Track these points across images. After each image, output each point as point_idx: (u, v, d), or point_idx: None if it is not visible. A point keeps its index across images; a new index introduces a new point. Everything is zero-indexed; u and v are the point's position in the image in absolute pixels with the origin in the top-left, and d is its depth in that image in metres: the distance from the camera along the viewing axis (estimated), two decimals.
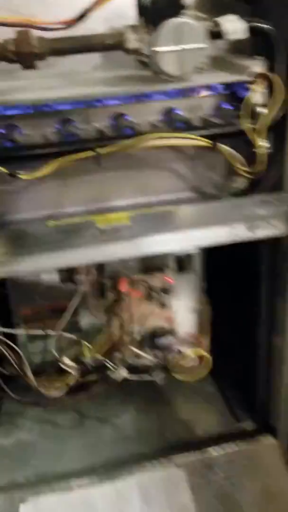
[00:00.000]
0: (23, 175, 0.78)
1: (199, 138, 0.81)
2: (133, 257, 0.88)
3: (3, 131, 0.84)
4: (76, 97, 0.78)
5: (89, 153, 0.78)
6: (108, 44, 0.73)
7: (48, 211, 0.92)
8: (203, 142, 0.81)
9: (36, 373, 0.97)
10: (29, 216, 0.92)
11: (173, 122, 0.87)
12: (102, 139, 0.82)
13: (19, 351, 0.94)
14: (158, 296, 0.97)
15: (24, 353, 0.97)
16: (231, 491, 0.99)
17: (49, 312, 0.99)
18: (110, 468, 1.04)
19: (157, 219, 0.83)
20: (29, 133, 0.84)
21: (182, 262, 0.88)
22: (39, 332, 0.95)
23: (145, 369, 1.00)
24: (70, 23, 0.73)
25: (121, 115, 0.88)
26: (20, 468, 1.06)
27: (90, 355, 0.95)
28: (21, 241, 0.82)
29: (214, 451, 1.06)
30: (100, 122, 0.87)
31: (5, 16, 0.72)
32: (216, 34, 0.77)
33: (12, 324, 0.99)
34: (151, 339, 1.00)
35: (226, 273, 1.06)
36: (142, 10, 0.74)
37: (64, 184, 0.89)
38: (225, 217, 0.85)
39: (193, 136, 0.81)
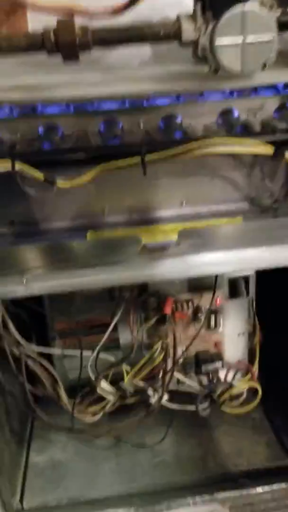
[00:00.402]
0: (61, 183, 0.70)
1: (261, 144, 0.70)
2: (180, 278, 0.78)
3: (41, 131, 0.76)
4: (122, 94, 0.69)
5: (134, 160, 0.69)
6: (161, 35, 0.64)
7: (87, 220, 0.85)
8: (266, 150, 0.70)
9: (71, 391, 0.90)
10: (66, 225, 0.85)
11: (231, 126, 0.77)
12: (149, 143, 0.73)
13: (53, 372, 0.86)
14: (206, 317, 0.87)
15: (58, 372, 0.89)
16: None
17: (86, 327, 0.91)
18: (147, 499, 0.95)
19: (209, 235, 0.73)
20: (69, 134, 0.76)
21: (234, 284, 0.78)
22: (75, 352, 0.87)
23: (189, 396, 0.91)
24: (118, 11, 0.64)
25: (172, 116, 0.79)
26: (52, 489, 1.00)
27: (129, 379, 0.86)
28: (59, 255, 0.74)
29: (260, 489, 0.95)
30: (148, 124, 0.79)
31: (45, 1, 0.64)
32: (285, 25, 0.67)
33: (47, 341, 0.91)
34: (197, 364, 0.91)
35: (274, 293, 0.95)
36: None
37: (104, 190, 0.81)
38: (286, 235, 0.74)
39: (254, 142, 0.70)
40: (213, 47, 0.64)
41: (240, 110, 0.79)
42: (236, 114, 0.80)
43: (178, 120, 0.80)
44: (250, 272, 0.76)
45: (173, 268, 0.72)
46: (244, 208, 0.88)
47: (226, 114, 0.80)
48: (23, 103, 0.71)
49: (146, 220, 0.87)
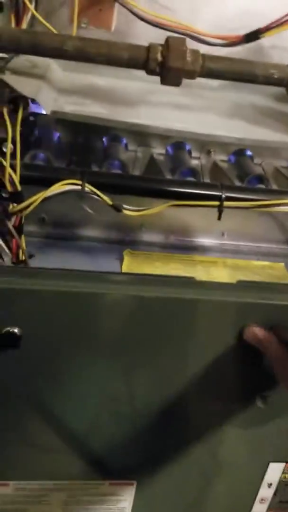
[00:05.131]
0: (127, 212, 0.63)
1: None
2: None
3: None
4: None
5: (210, 204, 0.63)
6: (275, 78, 0.58)
7: (122, 233, 0.79)
8: None
9: None
10: (101, 235, 0.79)
11: None
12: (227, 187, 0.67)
13: None
14: None
15: None
16: None
17: None
18: None
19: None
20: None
21: None
22: None
23: None
24: (236, 41, 0.57)
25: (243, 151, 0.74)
26: None
27: None
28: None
29: None
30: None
31: (161, 15, 0.56)
32: None
33: None
34: None
35: None
36: None
37: None
38: None
39: None
40: None
41: None
42: None
43: (248, 154, 0.75)
44: None
45: None
46: (285, 251, 0.85)
47: None
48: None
49: (183, 245, 0.82)
